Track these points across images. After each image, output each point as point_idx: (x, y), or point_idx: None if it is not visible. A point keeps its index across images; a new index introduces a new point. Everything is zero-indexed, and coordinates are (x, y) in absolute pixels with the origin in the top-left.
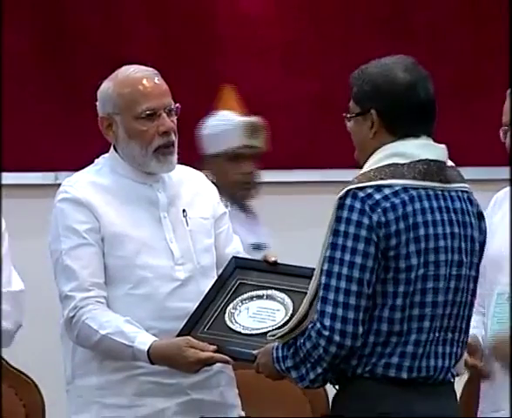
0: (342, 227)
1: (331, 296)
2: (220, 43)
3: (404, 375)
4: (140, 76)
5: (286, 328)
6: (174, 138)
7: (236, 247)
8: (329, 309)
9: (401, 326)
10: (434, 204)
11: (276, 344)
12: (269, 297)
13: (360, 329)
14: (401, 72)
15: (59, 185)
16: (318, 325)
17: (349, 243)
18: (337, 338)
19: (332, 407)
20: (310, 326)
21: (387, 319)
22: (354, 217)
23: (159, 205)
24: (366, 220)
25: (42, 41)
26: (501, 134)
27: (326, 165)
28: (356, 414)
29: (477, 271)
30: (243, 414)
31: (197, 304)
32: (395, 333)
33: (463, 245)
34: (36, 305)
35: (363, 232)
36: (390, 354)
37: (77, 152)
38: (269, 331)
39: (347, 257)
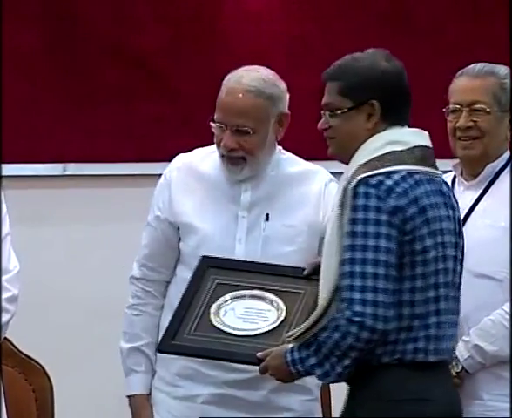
0: (360, 215)
1: (358, 282)
2: (226, 38)
3: (431, 358)
4: (229, 85)
5: (303, 327)
6: (243, 154)
7: None
8: (357, 295)
9: (423, 308)
10: (433, 187)
11: (290, 346)
12: (254, 297)
13: (391, 312)
14: (386, 63)
15: (67, 175)
16: (348, 312)
17: (370, 228)
18: (369, 322)
19: (351, 400)
20: (337, 317)
21: (409, 302)
22: (372, 202)
23: (240, 204)
24: (384, 205)
25: (52, 36)
26: (447, 112)
27: (328, 156)
28: (388, 402)
29: (462, 253)
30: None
31: (174, 309)
32: (418, 316)
33: (457, 227)
34: (45, 293)
35: (383, 217)
36: (415, 339)
37: (84, 145)
38: (266, 332)
39: (371, 242)
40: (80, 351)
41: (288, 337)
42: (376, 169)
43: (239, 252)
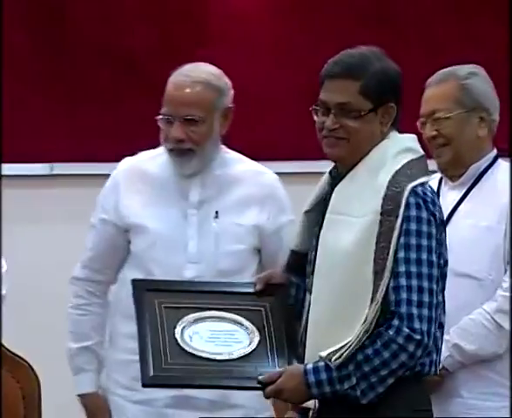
0: (413, 226)
1: (415, 297)
2: (214, 39)
3: (435, 370)
4: (176, 80)
5: (351, 346)
6: (190, 145)
7: None
8: (415, 311)
9: (443, 318)
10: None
11: (310, 367)
12: (214, 318)
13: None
14: (392, 63)
15: (54, 175)
16: (406, 330)
17: (424, 241)
18: (425, 340)
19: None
20: (389, 334)
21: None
22: (424, 215)
23: (189, 202)
24: (432, 218)
25: (40, 36)
26: (419, 125)
27: (313, 155)
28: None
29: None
30: (252, 414)
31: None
32: (441, 326)
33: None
34: (32, 292)
35: (433, 230)
36: (430, 352)
37: (72, 144)
38: (248, 354)
39: (425, 256)
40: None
41: (336, 358)
42: (416, 178)
43: (192, 249)
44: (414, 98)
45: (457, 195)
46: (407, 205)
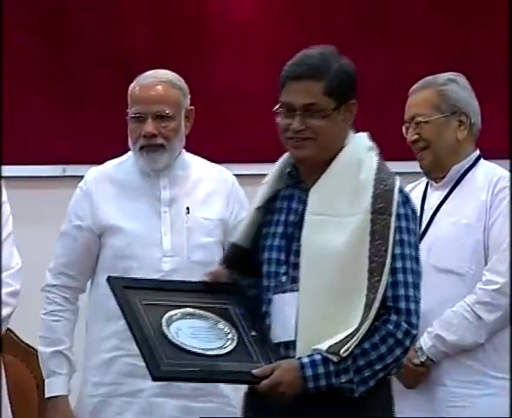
0: (404, 223)
1: (411, 293)
2: (213, 45)
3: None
4: (142, 82)
5: (355, 339)
6: (162, 141)
7: None
8: (413, 306)
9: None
10: None
11: (306, 361)
12: (192, 315)
13: None
14: (348, 61)
15: (67, 176)
16: (404, 325)
17: (412, 239)
18: (416, 334)
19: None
20: (387, 328)
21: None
22: (409, 212)
23: (161, 201)
24: (413, 214)
25: (47, 42)
26: (404, 130)
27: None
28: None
29: None
30: (228, 402)
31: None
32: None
33: None
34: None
35: (416, 226)
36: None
37: (83, 147)
38: (232, 350)
39: (414, 252)
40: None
41: (345, 351)
42: (391, 175)
43: (166, 244)
44: (402, 100)
45: (440, 195)
46: (397, 202)
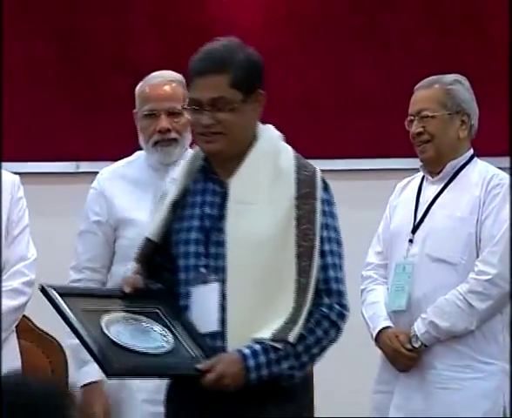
0: (327, 207)
1: (340, 274)
2: None
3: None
4: (151, 82)
5: (299, 325)
6: (175, 135)
7: None
8: (343, 288)
9: None
10: None
11: (247, 351)
12: (123, 319)
13: None
14: (252, 50)
15: (80, 172)
16: (337, 306)
17: (335, 222)
18: (348, 314)
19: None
20: (321, 312)
21: None
22: (330, 197)
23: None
24: (332, 200)
25: (63, 51)
26: (406, 123)
27: (306, 155)
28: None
29: None
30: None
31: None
32: None
33: None
34: (59, 277)
35: (336, 212)
36: None
37: (95, 145)
38: (172, 349)
39: (337, 236)
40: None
41: (294, 338)
42: (310, 163)
43: None
44: (399, 102)
45: (436, 189)
46: (320, 187)
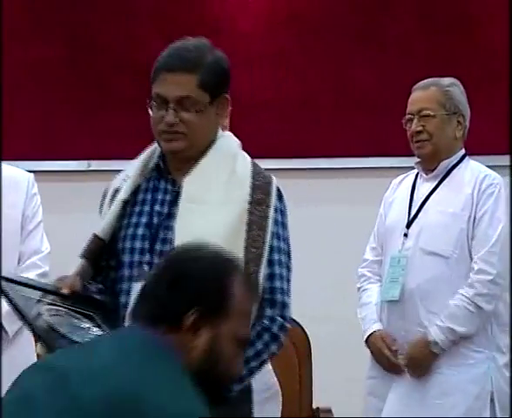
0: (280, 217)
1: (286, 286)
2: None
3: None
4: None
5: None
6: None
7: None
8: (287, 300)
9: None
10: None
11: None
12: (58, 313)
13: None
14: (220, 52)
15: (91, 171)
16: (279, 319)
17: (286, 233)
18: (289, 327)
19: None
20: (265, 324)
21: None
22: (283, 207)
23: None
24: (285, 210)
25: (74, 54)
26: (404, 121)
27: (307, 153)
28: None
29: None
30: None
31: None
32: None
33: None
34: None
35: (287, 223)
36: None
37: (105, 145)
38: None
39: (287, 248)
40: None
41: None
42: (267, 172)
43: None
44: (396, 102)
45: (430, 187)
46: (275, 195)
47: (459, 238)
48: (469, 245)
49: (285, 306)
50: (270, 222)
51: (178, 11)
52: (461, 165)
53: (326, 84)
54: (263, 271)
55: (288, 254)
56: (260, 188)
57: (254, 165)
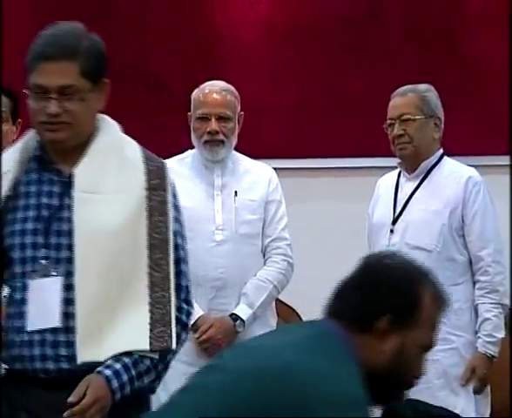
0: (177, 202)
1: (186, 269)
2: (225, 62)
3: None
4: (206, 90)
5: (170, 328)
6: (222, 137)
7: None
8: (189, 283)
9: None
10: None
11: (110, 372)
12: None
13: None
14: (96, 37)
15: None
16: (185, 306)
17: (182, 217)
18: (193, 311)
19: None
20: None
21: None
22: (176, 192)
23: (215, 186)
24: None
25: None
26: (386, 126)
27: (305, 154)
28: None
29: None
30: None
31: None
32: None
33: None
34: None
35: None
36: None
37: None
38: None
39: (184, 230)
40: None
41: (175, 343)
42: (151, 153)
43: (219, 220)
44: (385, 107)
45: (412, 186)
46: (169, 179)
47: (441, 232)
48: (454, 238)
49: (188, 290)
50: (169, 206)
51: (186, 26)
52: (439, 164)
53: (321, 91)
54: (172, 256)
55: (183, 237)
56: (155, 173)
57: (143, 150)
